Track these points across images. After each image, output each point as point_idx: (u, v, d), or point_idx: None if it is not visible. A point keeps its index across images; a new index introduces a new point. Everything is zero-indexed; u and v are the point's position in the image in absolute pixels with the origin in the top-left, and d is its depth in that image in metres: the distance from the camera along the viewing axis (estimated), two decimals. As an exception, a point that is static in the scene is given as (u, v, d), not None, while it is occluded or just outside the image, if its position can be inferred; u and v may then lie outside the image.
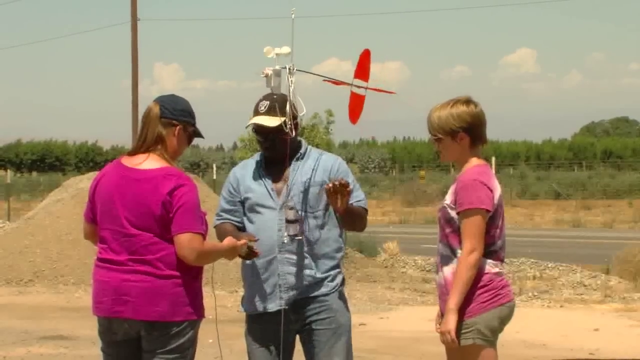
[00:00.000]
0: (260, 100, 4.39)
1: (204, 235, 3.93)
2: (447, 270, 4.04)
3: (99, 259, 4.04)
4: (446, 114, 4.06)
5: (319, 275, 4.35)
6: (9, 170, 42.40)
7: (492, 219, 4.00)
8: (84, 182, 15.30)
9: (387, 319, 10.61)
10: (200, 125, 4.21)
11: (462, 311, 3.95)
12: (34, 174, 66.03)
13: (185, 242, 3.87)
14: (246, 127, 4.58)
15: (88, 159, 77.48)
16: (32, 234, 14.37)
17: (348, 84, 4.58)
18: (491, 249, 4.02)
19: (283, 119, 4.29)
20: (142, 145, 4.03)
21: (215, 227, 4.48)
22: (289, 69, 4.36)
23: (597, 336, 9.34)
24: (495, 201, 4.00)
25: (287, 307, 4.31)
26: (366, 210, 4.47)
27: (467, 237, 3.94)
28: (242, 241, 4.17)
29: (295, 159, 4.41)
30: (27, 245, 14.10)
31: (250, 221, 4.40)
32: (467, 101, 4.08)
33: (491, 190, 3.99)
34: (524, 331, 8.91)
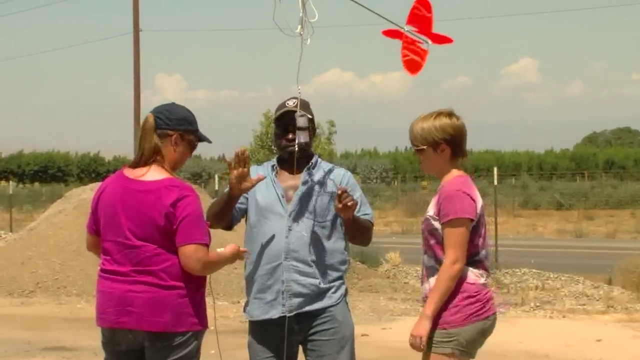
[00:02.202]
0: (286, 100, 4.44)
1: (208, 246, 3.94)
2: (433, 281, 4.08)
3: (103, 270, 4.04)
4: (429, 126, 4.13)
5: (323, 285, 4.36)
6: (11, 181, 42.51)
7: (476, 229, 4.06)
8: (86, 193, 15.31)
9: (390, 329, 10.59)
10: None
11: (446, 319, 4.00)
12: (36, 184, 66.07)
13: (191, 253, 3.88)
14: (275, 115, 4.50)
15: (90, 169, 77.52)
16: (34, 245, 14.37)
17: (403, 29, 4.39)
18: (475, 259, 4.08)
19: (310, 117, 4.38)
20: (142, 157, 4.04)
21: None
22: None
23: (599, 347, 9.32)
24: (478, 211, 4.06)
25: (290, 314, 4.32)
26: (372, 224, 4.51)
27: (451, 247, 3.99)
28: (244, 248, 4.20)
29: (306, 169, 4.45)
30: (30, 256, 14.10)
31: (258, 227, 4.40)
32: (450, 114, 4.16)
33: (474, 200, 4.04)
34: (527, 341, 8.90)
